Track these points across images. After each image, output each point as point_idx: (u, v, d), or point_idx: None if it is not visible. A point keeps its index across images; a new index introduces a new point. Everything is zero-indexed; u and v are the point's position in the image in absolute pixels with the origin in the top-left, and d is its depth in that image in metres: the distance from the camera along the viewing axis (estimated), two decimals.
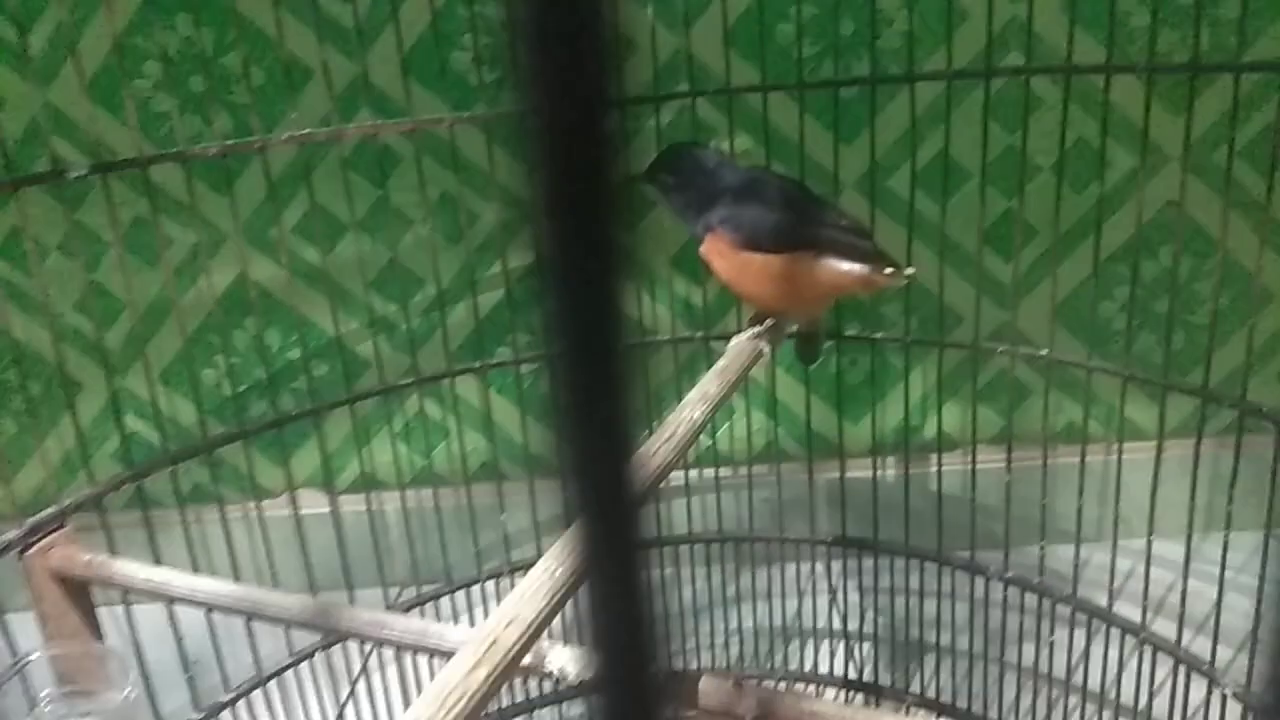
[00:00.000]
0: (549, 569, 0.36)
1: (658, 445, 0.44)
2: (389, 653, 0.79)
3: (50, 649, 0.56)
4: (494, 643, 0.32)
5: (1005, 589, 0.72)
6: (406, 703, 0.77)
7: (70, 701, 0.56)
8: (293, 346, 0.98)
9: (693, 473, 0.90)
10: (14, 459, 1.00)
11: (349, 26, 0.87)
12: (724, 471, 0.85)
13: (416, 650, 0.49)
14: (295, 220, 0.93)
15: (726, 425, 0.97)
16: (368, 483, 0.92)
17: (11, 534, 0.55)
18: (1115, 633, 0.69)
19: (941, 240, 0.83)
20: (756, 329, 0.57)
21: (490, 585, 0.83)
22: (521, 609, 0.34)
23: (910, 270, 0.56)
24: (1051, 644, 0.72)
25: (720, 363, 0.53)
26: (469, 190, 0.92)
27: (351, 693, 0.77)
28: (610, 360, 0.14)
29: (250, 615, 0.52)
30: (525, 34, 0.12)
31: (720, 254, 0.55)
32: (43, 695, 0.56)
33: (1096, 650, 0.70)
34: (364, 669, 0.79)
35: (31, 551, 0.55)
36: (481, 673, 0.31)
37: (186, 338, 0.96)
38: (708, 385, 0.50)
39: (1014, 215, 0.90)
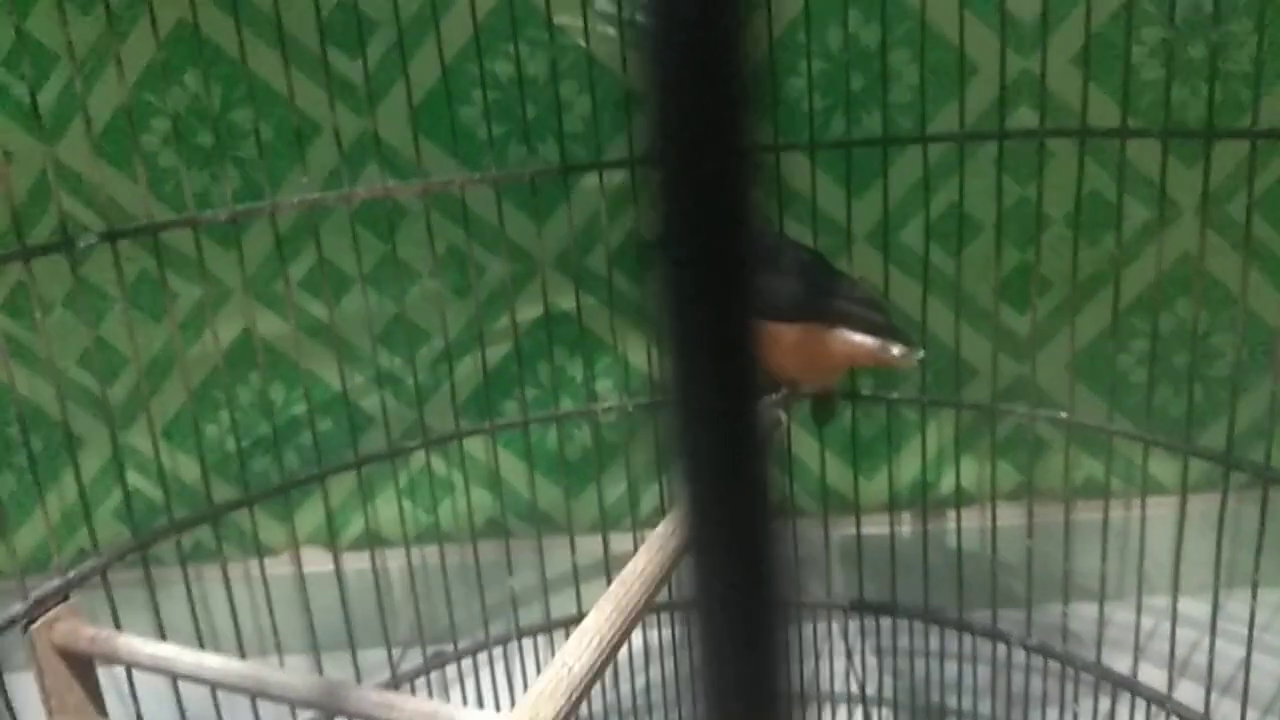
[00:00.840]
0: (567, 665, 0.34)
1: (674, 524, 0.43)
2: None
3: None
4: None
5: (1028, 656, 0.71)
6: None
7: None
8: (298, 402, 0.97)
9: None
10: (15, 515, 0.99)
11: (358, 82, 0.88)
12: None
13: None
14: (302, 275, 0.93)
15: None
16: (372, 539, 0.90)
17: (16, 608, 0.54)
18: (1140, 701, 0.67)
19: (957, 294, 0.82)
20: (772, 396, 0.56)
21: (497, 650, 0.82)
22: (540, 708, 0.32)
23: (921, 354, 0.55)
24: (1076, 713, 0.70)
25: None
26: (477, 244, 0.92)
27: None
28: (744, 419, 0.13)
29: (255, 694, 0.51)
30: (663, 81, 0.12)
31: None
32: None
33: (1122, 716, 0.68)
34: None
35: (36, 626, 0.54)
36: None
37: (190, 393, 0.95)
38: None
39: (1028, 268, 0.89)
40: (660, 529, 0.43)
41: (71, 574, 0.57)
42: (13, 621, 0.54)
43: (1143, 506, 0.70)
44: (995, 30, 0.83)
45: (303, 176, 0.78)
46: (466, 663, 0.81)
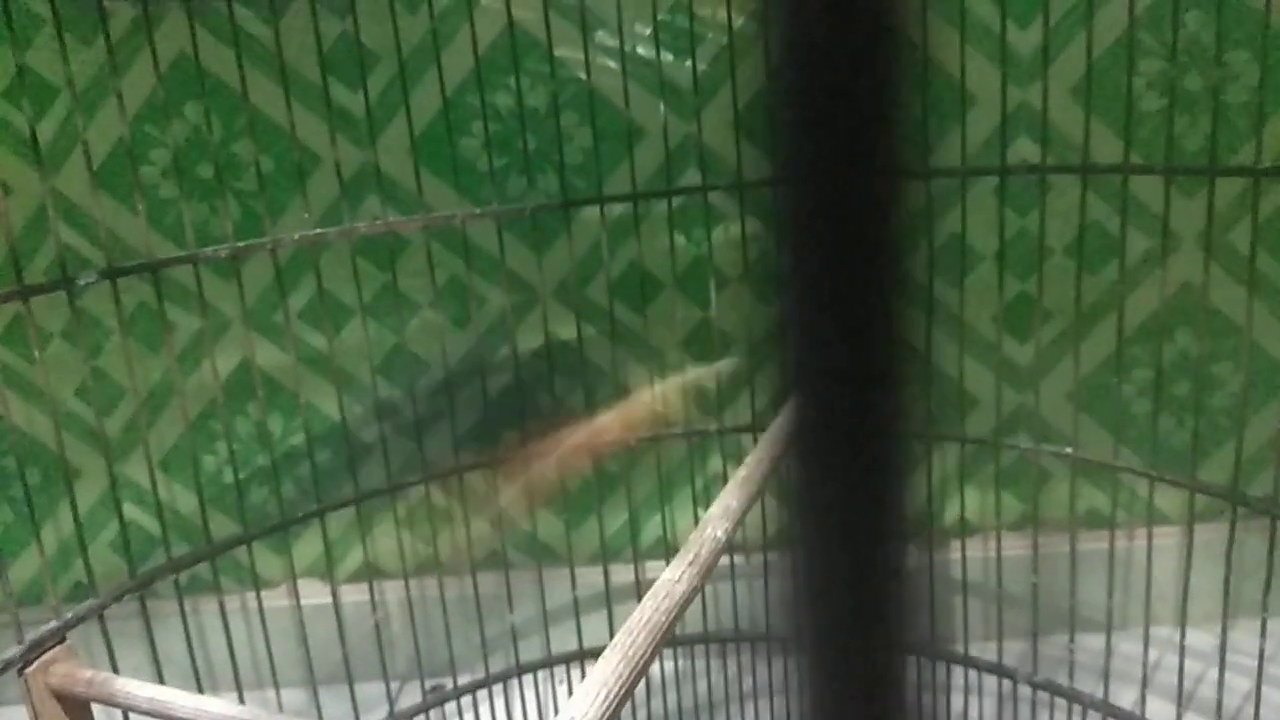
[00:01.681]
0: (575, 716, 0.34)
1: (681, 570, 0.43)
2: None
3: None
4: None
5: (1034, 691, 0.70)
6: None
7: None
8: (296, 432, 0.96)
9: None
10: (9, 548, 0.98)
11: (359, 115, 0.88)
12: (737, 559, 0.84)
13: None
14: (301, 306, 0.93)
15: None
16: (370, 571, 0.90)
17: (12, 651, 0.53)
18: None
19: (961, 325, 0.82)
20: None
21: (497, 686, 0.81)
22: None
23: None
24: None
25: (740, 472, 0.52)
26: (477, 276, 0.92)
27: None
28: (887, 455, 0.13)
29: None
30: (800, 104, 0.11)
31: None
32: None
33: None
34: None
35: (32, 669, 0.53)
36: None
37: (188, 424, 0.95)
38: (729, 498, 0.49)
39: (1029, 298, 0.89)
40: (666, 575, 0.42)
41: (69, 615, 0.57)
42: (9, 664, 0.53)
43: (1149, 538, 0.70)
44: (994, 62, 0.84)
45: (304, 211, 0.78)
46: (465, 699, 0.80)
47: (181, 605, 0.69)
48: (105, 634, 0.59)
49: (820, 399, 0.12)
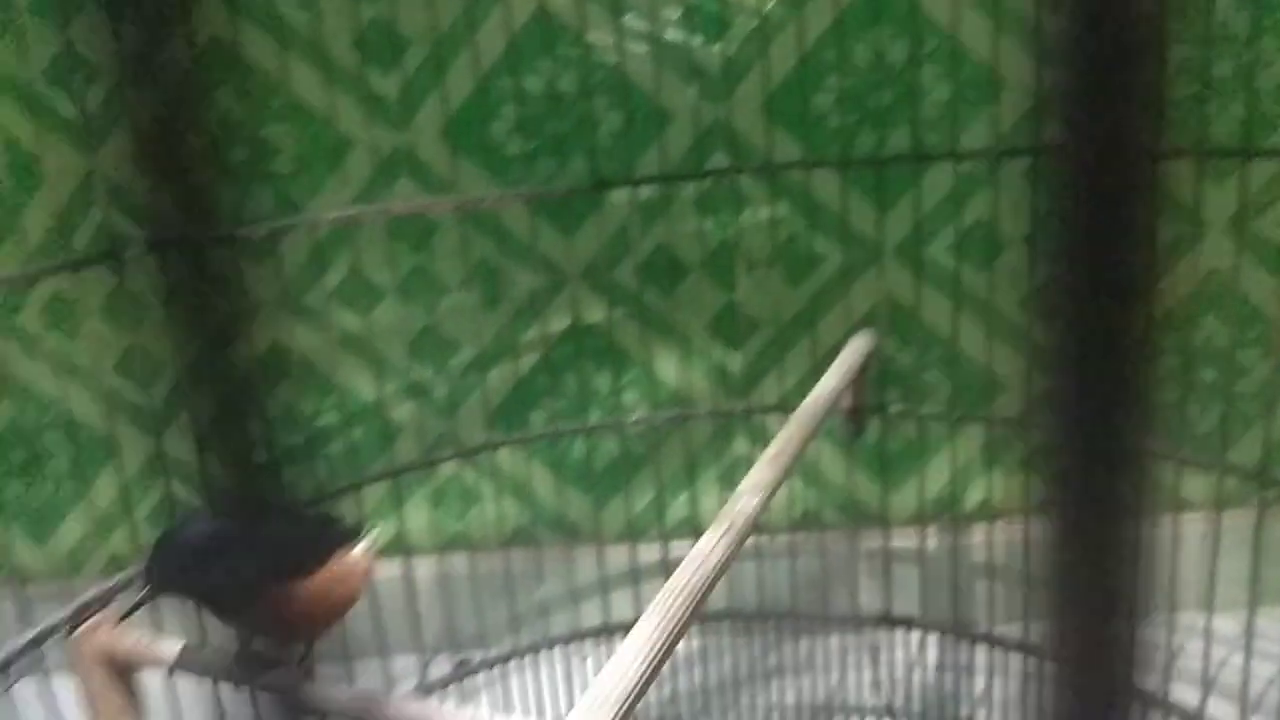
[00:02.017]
0: (617, 674, 0.35)
1: (715, 540, 0.44)
2: None
3: None
4: None
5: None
6: None
7: None
8: (329, 411, 0.98)
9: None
10: (53, 520, 1.01)
11: (392, 98, 0.89)
12: (763, 539, 0.84)
13: None
14: (335, 286, 0.94)
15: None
16: (402, 547, 0.91)
17: (59, 615, 0.55)
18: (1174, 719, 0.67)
19: (988, 310, 0.82)
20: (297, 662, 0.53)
21: (524, 659, 0.82)
22: (594, 717, 0.33)
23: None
24: None
25: (772, 448, 0.53)
26: (507, 258, 0.93)
27: None
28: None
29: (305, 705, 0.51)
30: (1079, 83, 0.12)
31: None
32: None
33: None
34: None
35: (78, 632, 0.55)
36: None
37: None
38: (761, 473, 0.50)
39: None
40: (700, 544, 0.43)
41: (114, 580, 0.58)
42: (56, 628, 0.55)
43: (1175, 523, 0.70)
44: (1023, 44, 0.84)
45: (336, 196, 0.79)
46: (494, 670, 0.82)
47: None
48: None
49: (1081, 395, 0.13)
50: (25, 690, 0.56)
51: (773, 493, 0.49)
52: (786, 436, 0.53)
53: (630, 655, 0.36)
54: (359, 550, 0.55)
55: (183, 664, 0.55)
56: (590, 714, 0.33)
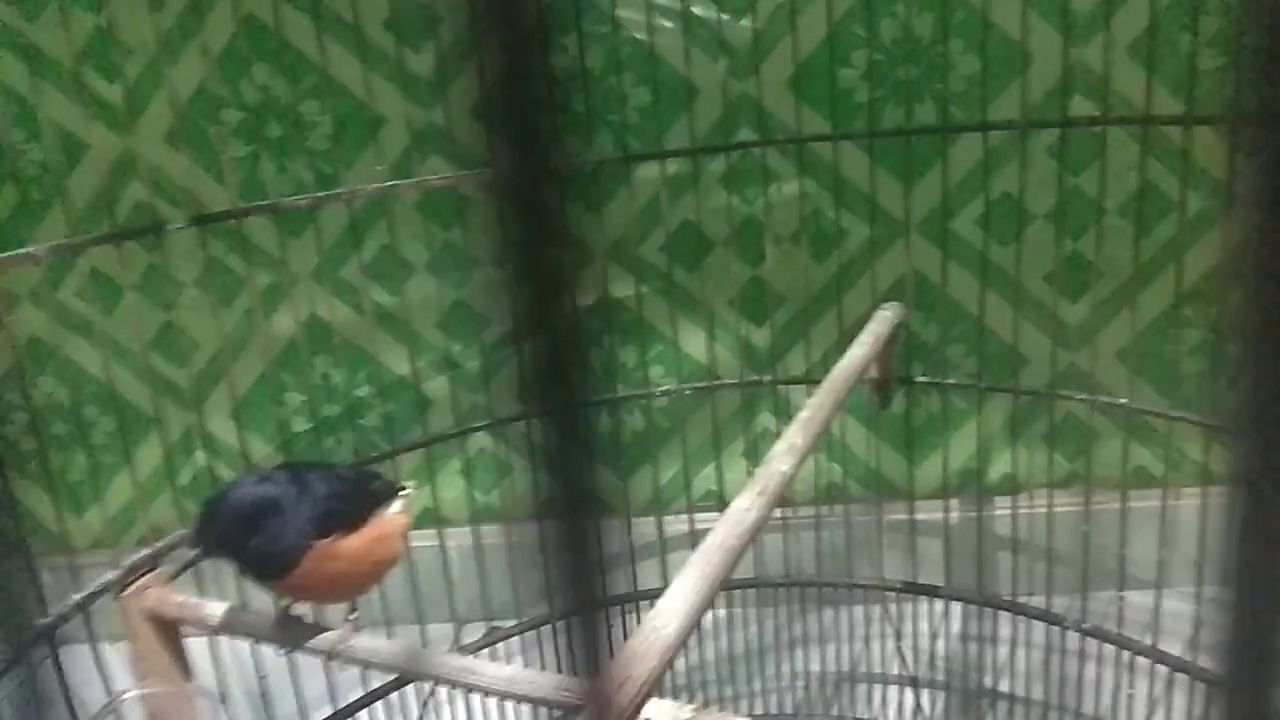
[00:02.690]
0: (658, 627, 0.36)
1: (750, 500, 0.45)
2: (446, 691, 0.79)
3: (142, 687, 0.57)
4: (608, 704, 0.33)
5: (1082, 640, 0.71)
6: None
7: None
8: (362, 384, 1.00)
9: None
10: (91, 492, 1.03)
11: (424, 75, 0.90)
12: (787, 511, 0.86)
13: (504, 696, 0.49)
14: (368, 261, 0.96)
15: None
16: (435, 518, 0.93)
17: (110, 575, 0.57)
18: (1199, 686, 0.68)
19: (1015, 284, 0.83)
20: (351, 617, 0.54)
21: (555, 625, 0.84)
22: (634, 667, 0.34)
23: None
24: (1130, 695, 0.71)
25: (804, 413, 0.54)
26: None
27: None
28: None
29: (345, 659, 0.53)
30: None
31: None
32: None
33: (1179, 702, 0.69)
34: (425, 706, 0.80)
35: (128, 592, 0.57)
36: None
37: (260, 375, 0.99)
38: (794, 436, 0.51)
39: (1080, 257, 0.90)
40: (737, 504, 0.45)
41: (161, 543, 0.60)
42: (107, 587, 0.57)
43: (1203, 496, 0.70)
44: (1051, 20, 0.84)
45: (369, 170, 0.80)
46: (523, 638, 0.83)
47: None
48: (197, 564, 0.63)
49: None
50: (75, 651, 0.58)
51: (805, 456, 0.50)
52: (818, 403, 0.54)
53: (669, 610, 0.37)
54: (396, 508, 0.56)
55: (227, 625, 0.57)
56: (630, 666, 0.35)
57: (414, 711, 0.77)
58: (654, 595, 0.85)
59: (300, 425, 0.99)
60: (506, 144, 0.12)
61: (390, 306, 0.95)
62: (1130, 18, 0.84)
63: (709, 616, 0.87)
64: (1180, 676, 0.68)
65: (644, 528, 0.89)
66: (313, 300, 0.95)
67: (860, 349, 0.62)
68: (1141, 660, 0.69)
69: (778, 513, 0.84)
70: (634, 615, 0.83)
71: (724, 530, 0.42)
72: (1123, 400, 0.69)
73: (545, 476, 0.13)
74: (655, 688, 0.35)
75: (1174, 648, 0.69)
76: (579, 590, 0.13)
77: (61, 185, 0.94)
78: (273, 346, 0.98)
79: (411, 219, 0.92)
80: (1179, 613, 0.73)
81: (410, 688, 0.76)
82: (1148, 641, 0.69)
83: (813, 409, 0.54)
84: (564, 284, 0.12)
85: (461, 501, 0.99)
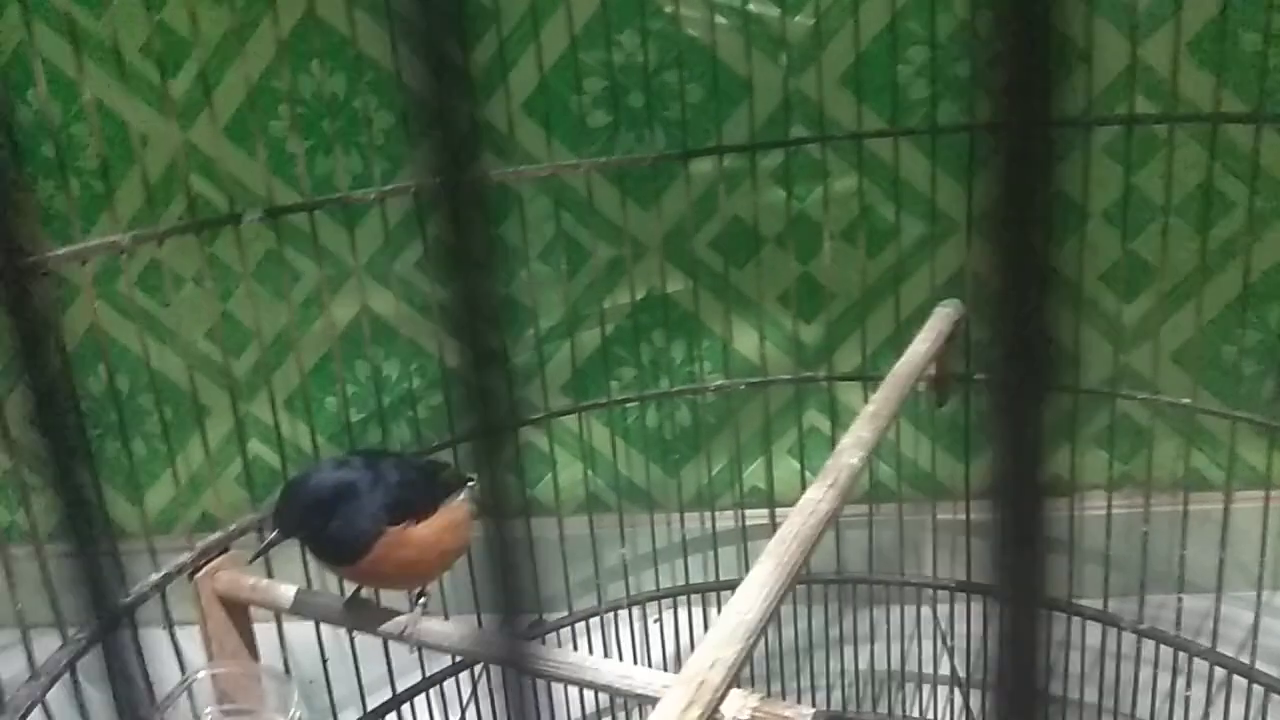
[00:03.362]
0: (741, 612, 0.37)
1: (822, 491, 0.45)
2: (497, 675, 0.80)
3: (213, 667, 0.58)
4: (702, 683, 0.33)
5: (1139, 641, 0.71)
6: None
7: (230, 719, 0.58)
8: (408, 377, 1.01)
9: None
10: (146, 479, 1.05)
11: (472, 72, 0.91)
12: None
13: (568, 683, 0.50)
14: (416, 256, 0.97)
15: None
16: (476, 510, 0.94)
17: (184, 557, 0.58)
18: (1257, 688, 0.67)
19: (1072, 283, 0.82)
20: (421, 602, 0.55)
21: (601, 618, 0.84)
22: (722, 652, 0.35)
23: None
24: (1187, 698, 0.70)
25: (869, 408, 0.54)
26: (584, 228, 0.94)
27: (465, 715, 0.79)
28: None
29: (415, 642, 0.54)
30: None
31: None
32: (205, 713, 0.58)
33: (1236, 708, 0.68)
34: (474, 694, 0.81)
35: (201, 574, 0.58)
36: (695, 712, 0.32)
37: (309, 367, 1.00)
38: (861, 430, 0.51)
39: (1137, 256, 0.89)
40: (809, 495, 0.45)
41: (232, 527, 0.61)
42: (181, 569, 0.58)
43: (1267, 499, 0.70)
44: (1110, 19, 0.83)
45: (414, 165, 0.81)
46: (569, 630, 0.84)
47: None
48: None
49: None
50: (149, 632, 0.60)
51: (873, 449, 0.50)
52: (883, 398, 0.54)
53: (750, 596, 0.38)
54: (464, 499, 0.57)
55: (298, 608, 0.58)
56: (717, 650, 0.35)
57: (475, 693, 0.78)
58: (700, 590, 0.85)
59: (353, 416, 1.00)
60: (429, 152, 0.13)
61: (435, 300, 0.96)
62: (1193, 15, 0.83)
63: None
64: (1238, 680, 0.67)
65: (690, 522, 0.90)
66: (366, 293, 0.96)
67: (922, 345, 0.62)
68: (1199, 663, 0.69)
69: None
70: (681, 611, 0.84)
71: (798, 520, 0.43)
72: (1186, 400, 0.68)
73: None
74: (741, 669, 0.35)
75: (1230, 651, 0.69)
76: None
77: (117, 179, 0.96)
78: (328, 338, 1.00)
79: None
80: (1235, 618, 0.72)
81: (465, 674, 0.77)
82: (1205, 644, 0.69)
83: (878, 404, 0.54)
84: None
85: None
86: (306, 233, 0.93)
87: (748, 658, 0.36)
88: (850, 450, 0.49)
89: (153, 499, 1.06)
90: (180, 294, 0.99)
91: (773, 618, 0.38)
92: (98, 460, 0.68)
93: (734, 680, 0.34)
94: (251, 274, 0.98)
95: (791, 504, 0.89)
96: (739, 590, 0.38)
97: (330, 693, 0.68)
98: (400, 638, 0.54)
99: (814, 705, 0.86)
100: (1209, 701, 0.69)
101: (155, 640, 0.60)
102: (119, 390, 1.04)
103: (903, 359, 0.60)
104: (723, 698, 0.33)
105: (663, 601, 0.88)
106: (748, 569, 0.86)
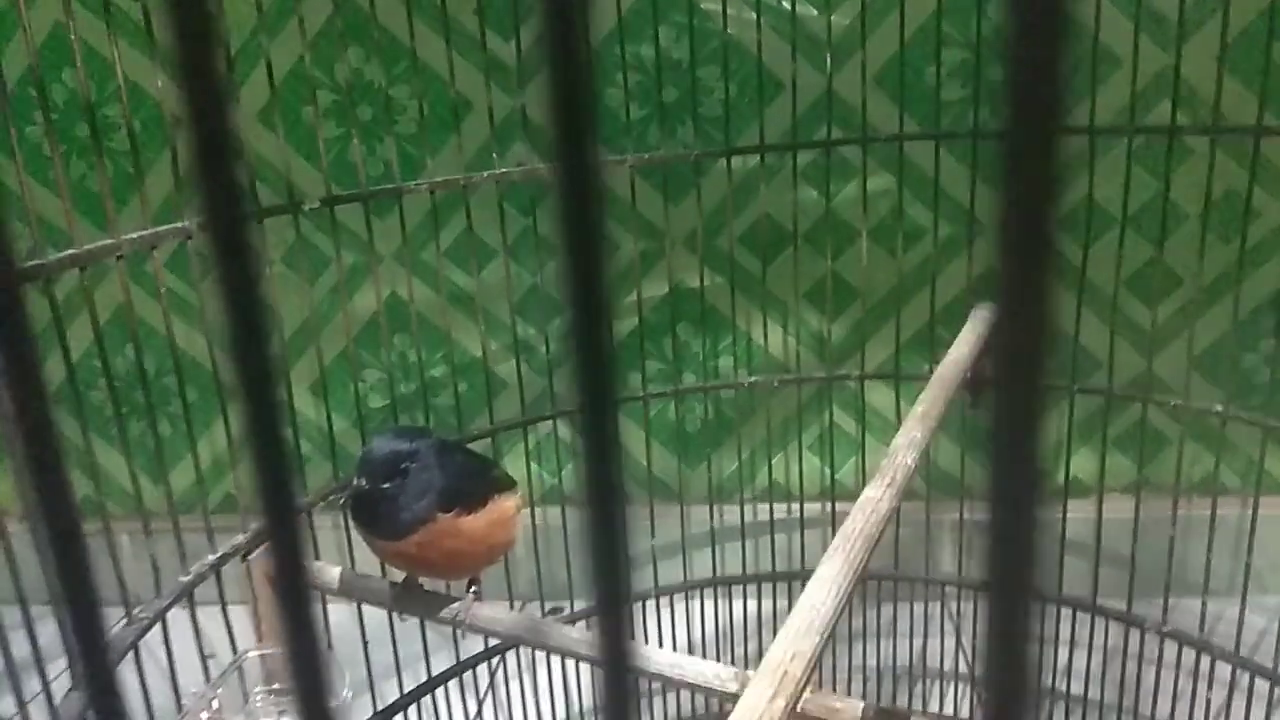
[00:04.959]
0: (815, 606, 0.38)
1: (880, 490, 0.46)
2: (514, 663, 0.81)
3: (263, 648, 0.59)
4: (785, 674, 0.34)
5: (1161, 643, 0.73)
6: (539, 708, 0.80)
7: (278, 699, 0.59)
8: (439, 364, 1.01)
9: (815, 506, 0.91)
10: (170, 460, 1.06)
11: (510, 63, 0.91)
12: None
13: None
14: (447, 245, 0.97)
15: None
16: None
17: (239, 539, 0.59)
18: (1278, 693, 0.69)
19: (1080, 284, 0.83)
20: (472, 591, 0.57)
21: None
22: (800, 645, 0.36)
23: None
24: (1208, 700, 0.72)
25: (919, 408, 0.55)
26: (615, 222, 0.95)
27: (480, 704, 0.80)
28: None
29: (467, 627, 0.55)
30: None
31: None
32: (254, 692, 0.59)
33: (1257, 711, 0.70)
34: (492, 681, 0.82)
35: (253, 556, 0.59)
36: (780, 703, 0.33)
37: (340, 352, 1.01)
38: (912, 430, 0.52)
39: (1154, 264, 0.90)
40: (868, 493, 0.46)
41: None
42: (236, 551, 0.59)
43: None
44: (1147, 27, 0.84)
45: (455, 155, 0.82)
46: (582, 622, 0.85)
47: (345, 522, 0.74)
48: (312, 531, 0.65)
49: None
50: (202, 613, 0.60)
51: (924, 448, 0.51)
52: (931, 398, 0.55)
53: (820, 592, 0.39)
54: (512, 499, 0.58)
55: (348, 590, 0.59)
56: (795, 643, 0.36)
57: (499, 680, 0.79)
58: (714, 584, 0.86)
59: (377, 402, 1.01)
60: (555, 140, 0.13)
61: (467, 289, 0.97)
62: (1213, 26, 0.84)
63: (769, 605, 0.88)
64: (1260, 684, 0.69)
65: (706, 515, 0.91)
66: (394, 280, 0.97)
67: (964, 347, 0.63)
68: (1221, 666, 0.71)
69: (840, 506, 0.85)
70: (698, 603, 0.85)
71: (860, 518, 0.44)
72: (1218, 408, 0.70)
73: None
74: (819, 659, 0.36)
75: (1253, 655, 0.70)
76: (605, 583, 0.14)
77: (148, 161, 0.96)
78: (354, 325, 1.00)
79: (490, 203, 0.94)
80: (1256, 623, 0.73)
81: (497, 659, 0.78)
82: (1228, 648, 0.70)
83: (926, 404, 0.55)
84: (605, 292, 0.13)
85: (525, 483, 1.01)
86: (338, 220, 0.94)
87: (825, 647, 0.37)
88: (904, 450, 0.50)
89: (177, 479, 1.07)
90: (209, 277, 0.99)
91: (842, 612, 0.39)
92: (125, 439, 0.68)
93: (813, 671, 0.36)
94: (281, 259, 0.99)
95: (815, 499, 0.90)
96: (809, 586, 0.39)
97: (370, 674, 0.69)
98: (455, 623, 0.55)
99: None
100: (1230, 704, 0.71)
101: (209, 618, 0.61)
102: (145, 371, 1.04)
103: (945, 360, 0.61)
104: (804, 688, 0.35)
105: (678, 595, 0.89)
106: (773, 563, 0.87)
